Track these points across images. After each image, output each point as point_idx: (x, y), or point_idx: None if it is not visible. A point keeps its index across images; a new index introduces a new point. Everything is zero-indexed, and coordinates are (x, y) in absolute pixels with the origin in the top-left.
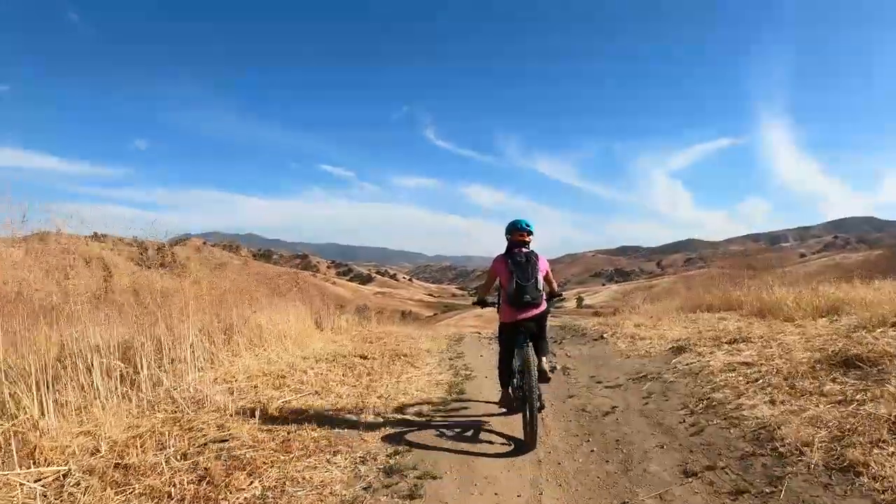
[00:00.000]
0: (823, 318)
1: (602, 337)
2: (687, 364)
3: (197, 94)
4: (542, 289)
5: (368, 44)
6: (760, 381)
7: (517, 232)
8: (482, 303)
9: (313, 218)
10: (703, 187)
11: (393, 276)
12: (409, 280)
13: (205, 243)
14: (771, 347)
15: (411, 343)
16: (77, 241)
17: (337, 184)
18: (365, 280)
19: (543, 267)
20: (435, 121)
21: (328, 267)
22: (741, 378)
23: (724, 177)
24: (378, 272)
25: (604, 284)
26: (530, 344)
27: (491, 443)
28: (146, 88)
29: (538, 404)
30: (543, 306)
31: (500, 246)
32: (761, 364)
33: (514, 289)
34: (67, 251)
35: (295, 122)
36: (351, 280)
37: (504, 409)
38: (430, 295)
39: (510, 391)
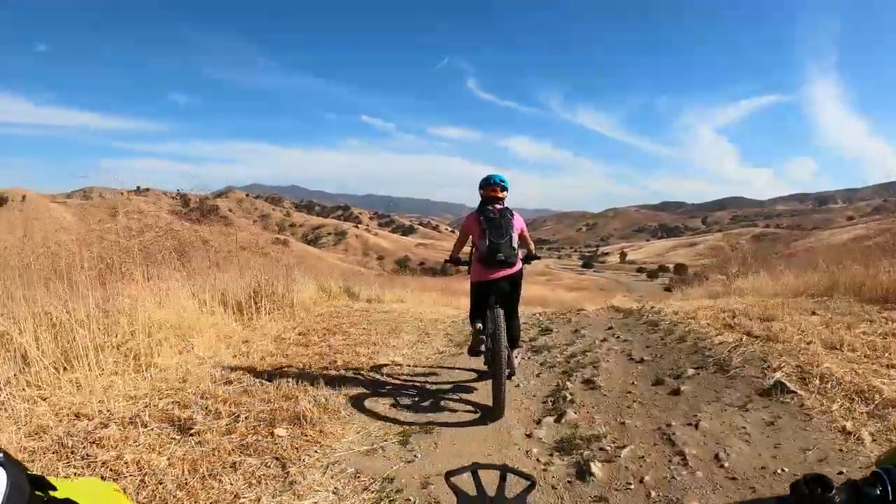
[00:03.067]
0: None
1: (783, 387)
2: None
3: (236, 46)
4: (516, 247)
5: None
6: None
7: (490, 187)
8: (455, 261)
9: (355, 169)
10: (749, 144)
11: (435, 228)
12: (452, 231)
13: (247, 195)
14: None
15: (363, 363)
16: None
17: (377, 135)
18: (407, 231)
19: (519, 225)
20: (477, 72)
21: (370, 218)
22: None
23: (770, 134)
24: (420, 223)
25: (647, 240)
26: (500, 307)
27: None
28: (185, 42)
29: (507, 371)
30: (518, 266)
31: (541, 197)
32: None
33: (487, 247)
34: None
35: (335, 73)
36: (393, 231)
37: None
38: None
39: (481, 355)
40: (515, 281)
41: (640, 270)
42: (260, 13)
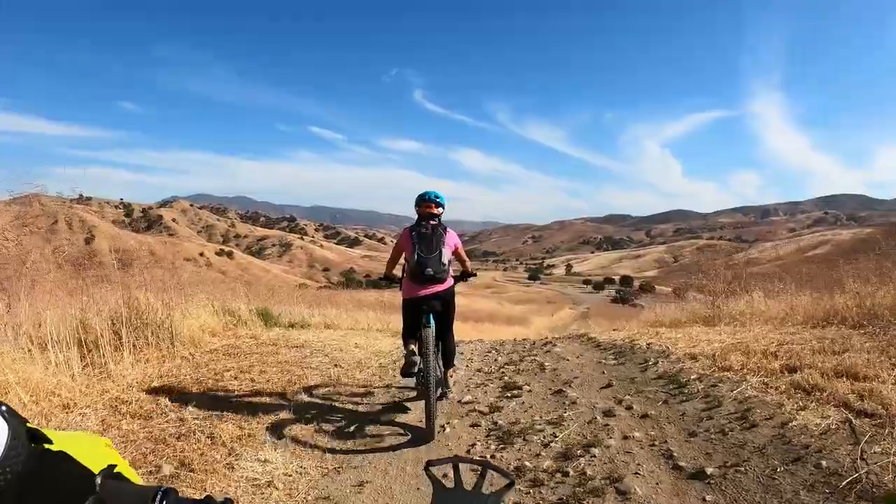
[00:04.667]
0: None
1: None
2: None
3: (185, 56)
4: (446, 263)
5: (358, 3)
6: None
7: (425, 204)
8: (388, 279)
9: (303, 180)
10: (694, 158)
11: (381, 240)
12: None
13: (192, 205)
14: None
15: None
16: (62, 204)
17: (326, 146)
18: (352, 243)
19: (452, 242)
20: (426, 84)
21: (316, 230)
22: None
23: (714, 148)
24: (366, 235)
25: (592, 252)
26: (433, 325)
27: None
28: (134, 50)
29: (440, 390)
30: (449, 283)
31: (491, 210)
32: None
33: (416, 261)
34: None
35: (284, 84)
36: (339, 243)
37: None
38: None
39: (414, 376)
40: (446, 299)
41: (586, 282)
42: (211, 20)
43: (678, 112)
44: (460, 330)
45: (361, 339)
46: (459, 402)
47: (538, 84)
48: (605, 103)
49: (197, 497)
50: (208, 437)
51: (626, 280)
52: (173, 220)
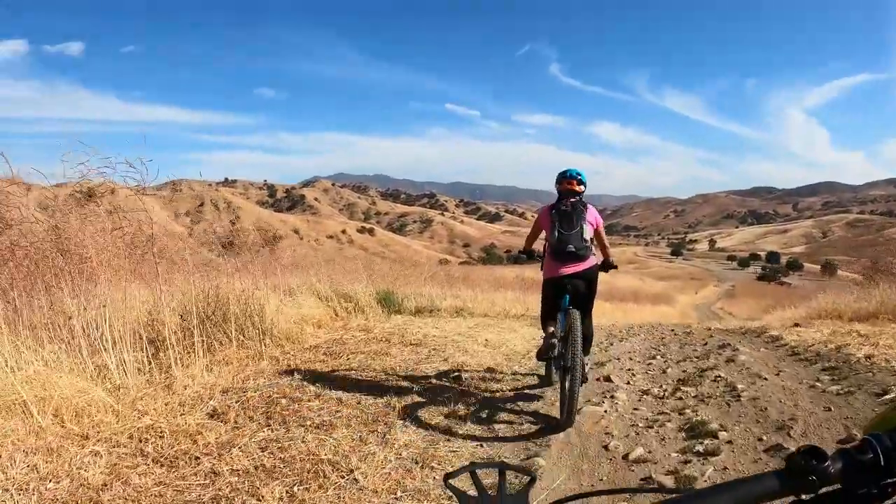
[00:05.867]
0: None
1: None
2: None
3: (319, 41)
4: (588, 239)
5: None
6: None
7: (566, 181)
8: (527, 255)
9: (440, 157)
10: (842, 126)
11: (521, 215)
12: None
13: (333, 185)
14: None
15: None
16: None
17: (461, 123)
18: (493, 218)
19: (593, 219)
20: (560, 57)
21: (456, 206)
22: None
23: (863, 115)
24: (506, 210)
25: (737, 227)
26: (575, 308)
27: None
28: (270, 38)
29: (581, 377)
30: (591, 261)
31: (629, 184)
32: None
33: (556, 238)
34: None
35: (418, 62)
36: (479, 219)
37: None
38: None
39: (551, 360)
40: (589, 278)
41: (730, 258)
42: (342, 6)
43: (824, 76)
44: (603, 310)
45: (493, 334)
46: (625, 458)
47: (676, 52)
48: (746, 69)
49: None
50: None
51: (772, 256)
52: (315, 199)
